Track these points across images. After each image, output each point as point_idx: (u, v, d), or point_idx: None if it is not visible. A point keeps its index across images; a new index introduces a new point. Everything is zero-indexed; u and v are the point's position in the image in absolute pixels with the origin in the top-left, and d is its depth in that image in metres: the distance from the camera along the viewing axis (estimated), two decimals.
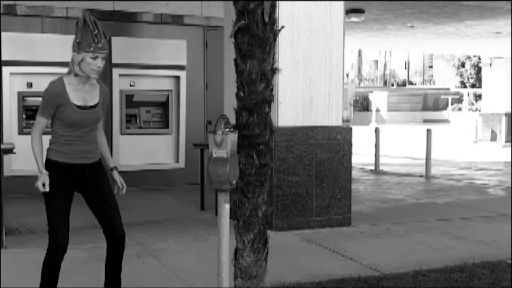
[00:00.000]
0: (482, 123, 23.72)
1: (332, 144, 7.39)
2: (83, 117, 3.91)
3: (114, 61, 10.29)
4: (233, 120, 3.94)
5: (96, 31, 3.87)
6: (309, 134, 7.27)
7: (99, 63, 3.88)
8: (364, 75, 64.27)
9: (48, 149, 4.00)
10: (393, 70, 61.72)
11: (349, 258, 5.97)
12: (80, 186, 4.03)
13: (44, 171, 3.87)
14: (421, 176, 12.86)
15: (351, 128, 7.69)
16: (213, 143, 3.75)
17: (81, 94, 3.93)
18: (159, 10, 10.67)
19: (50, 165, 3.95)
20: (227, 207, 3.89)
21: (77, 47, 3.87)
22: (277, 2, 3.98)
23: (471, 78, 42.62)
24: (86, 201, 4.12)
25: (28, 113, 9.98)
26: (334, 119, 7.49)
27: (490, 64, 23.23)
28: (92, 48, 3.84)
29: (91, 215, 4.19)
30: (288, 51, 7.17)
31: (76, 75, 3.91)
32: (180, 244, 6.43)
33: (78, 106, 3.90)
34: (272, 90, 3.95)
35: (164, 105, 10.86)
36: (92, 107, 3.96)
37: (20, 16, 9.89)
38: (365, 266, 5.69)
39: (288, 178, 7.14)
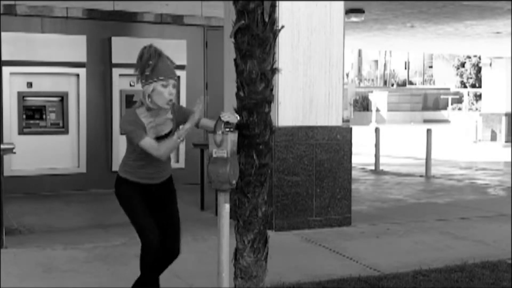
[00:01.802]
0: (482, 123, 23.71)
1: (332, 144, 7.39)
2: None
3: (114, 61, 10.30)
4: None
5: (160, 59, 3.79)
6: (309, 134, 7.27)
7: (171, 90, 3.83)
8: (364, 75, 64.25)
9: (120, 167, 4.01)
10: (393, 70, 61.71)
11: (349, 258, 5.97)
12: (149, 199, 4.02)
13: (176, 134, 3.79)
14: (421, 176, 12.86)
15: (351, 128, 7.69)
16: (213, 143, 3.74)
17: (154, 126, 3.89)
18: (159, 10, 10.67)
19: (120, 181, 3.97)
20: (227, 207, 3.88)
21: (145, 78, 3.81)
22: (277, 2, 3.97)
23: (471, 78, 42.62)
24: (153, 214, 4.04)
25: (28, 113, 10.00)
26: (334, 119, 7.49)
27: (490, 64, 23.22)
28: (162, 76, 3.77)
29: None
30: (288, 51, 7.16)
31: (148, 109, 3.86)
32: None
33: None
34: (272, 90, 3.95)
35: None
36: (166, 135, 3.91)
37: (20, 16, 9.89)
38: (365, 266, 5.69)
39: (288, 178, 7.14)
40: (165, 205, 4.08)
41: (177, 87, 11.45)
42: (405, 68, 62.63)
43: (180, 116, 3.99)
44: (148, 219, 3.95)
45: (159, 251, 3.95)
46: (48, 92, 10.07)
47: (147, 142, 3.79)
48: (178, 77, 3.84)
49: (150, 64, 3.80)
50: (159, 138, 3.88)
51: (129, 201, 3.97)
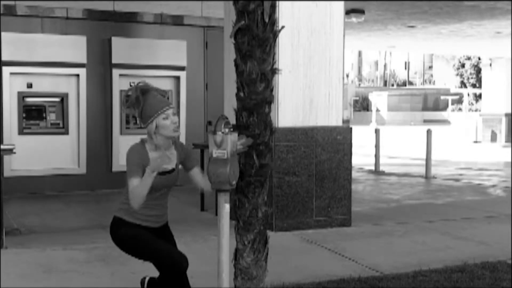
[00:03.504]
0: (482, 124, 23.73)
1: (332, 145, 7.39)
2: (158, 184, 3.69)
3: (114, 61, 10.30)
4: (233, 121, 3.93)
5: (149, 96, 3.68)
6: (309, 134, 7.27)
7: (173, 118, 3.68)
8: (364, 75, 64.30)
9: (119, 208, 3.83)
10: (393, 71, 61.76)
11: (349, 258, 5.97)
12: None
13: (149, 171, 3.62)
14: (421, 176, 12.86)
15: (351, 128, 7.69)
16: (213, 143, 3.74)
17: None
18: (159, 10, 10.67)
19: (116, 222, 3.81)
20: (227, 207, 3.88)
21: (145, 119, 3.68)
22: (277, 2, 3.97)
23: (471, 78, 42.65)
24: None
25: (28, 114, 9.99)
26: (334, 120, 7.49)
27: (490, 65, 23.24)
28: (159, 110, 3.64)
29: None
30: (288, 52, 7.17)
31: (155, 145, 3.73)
32: (180, 244, 6.35)
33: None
34: (272, 90, 3.94)
35: None
36: (168, 172, 3.76)
37: (20, 16, 9.90)
38: (365, 266, 5.69)
39: (288, 178, 7.14)
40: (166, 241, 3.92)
41: (177, 87, 11.30)
42: (405, 69, 62.67)
43: (183, 153, 3.89)
44: (163, 243, 3.81)
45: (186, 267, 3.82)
46: (48, 93, 10.07)
47: (133, 183, 3.61)
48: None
49: (142, 105, 3.67)
50: (163, 174, 3.71)
51: (136, 238, 3.77)
